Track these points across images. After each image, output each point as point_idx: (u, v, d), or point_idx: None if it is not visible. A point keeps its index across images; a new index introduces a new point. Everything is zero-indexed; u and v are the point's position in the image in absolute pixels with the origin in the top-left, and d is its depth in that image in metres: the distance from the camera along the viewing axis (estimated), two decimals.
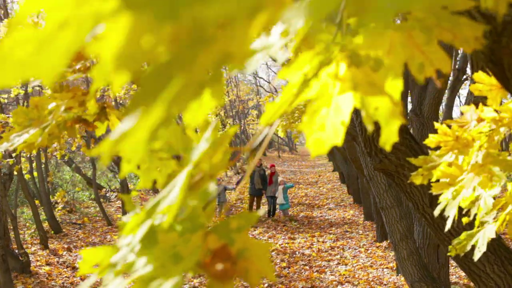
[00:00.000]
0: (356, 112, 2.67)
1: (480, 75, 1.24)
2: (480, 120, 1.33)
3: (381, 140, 0.66)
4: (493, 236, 1.38)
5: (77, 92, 1.18)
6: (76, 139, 11.88)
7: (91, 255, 0.62)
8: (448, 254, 1.57)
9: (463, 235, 1.45)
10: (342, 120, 0.66)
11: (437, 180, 1.30)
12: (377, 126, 2.55)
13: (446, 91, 7.22)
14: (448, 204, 1.27)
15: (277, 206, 12.80)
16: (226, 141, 0.65)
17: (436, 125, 1.26)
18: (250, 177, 12.65)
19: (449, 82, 7.21)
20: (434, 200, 2.64)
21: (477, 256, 1.37)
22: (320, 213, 13.76)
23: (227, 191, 13.07)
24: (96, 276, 0.59)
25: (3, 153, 8.02)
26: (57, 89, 1.16)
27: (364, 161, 3.96)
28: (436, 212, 1.25)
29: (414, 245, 4.05)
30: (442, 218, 2.68)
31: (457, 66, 11.47)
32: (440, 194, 2.66)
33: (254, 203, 13.24)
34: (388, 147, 0.65)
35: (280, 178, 13.23)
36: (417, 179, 1.24)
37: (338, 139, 0.67)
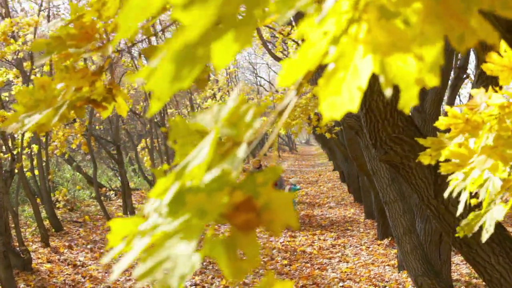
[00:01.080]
0: (361, 104, 2.67)
1: (492, 56, 1.24)
2: (489, 104, 1.32)
3: (400, 104, 0.65)
4: (501, 217, 1.37)
5: (87, 72, 1.17)
6: (78, 137, 11.88)
7: (120, 226, 0.61)
8: (456, 235, 1.56)
9: (471, 215, 1.45)
10: (359, 85, 0.65)
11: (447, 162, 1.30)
12: (380, 117, 2.56)
13: (448, 89, 7.22)
14: (457, 186, 1.26)
15: None
16: (259, 112, 0.64)
17: (446, 107, 1.26)
18: None
19: (450, 80, 7.21)
20: (439, 192, 2.64)
21: (484, 237, 1.36)
22: (321, 211, 13.76)
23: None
24: (124, 245, 0.58)
25: (2, 150, 8.00)
26: (65, 69, 1.15)
27: (367, 155, 3.96)
28: (446, 194, 1.24)
29: (418, 240, 4.05)
30: (447, 210, 2.68)
31: (458, 64, 11.48)
32: (446, 177, 2.66)
33: None
34: (407, 110, 0.64)
35: (291, 180, 12.70)
36: (425, 159, 1.24)
37: (353, 105, 0.66)
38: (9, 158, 7.49)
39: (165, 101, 0.45)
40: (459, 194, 1.54)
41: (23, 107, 1.09)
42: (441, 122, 1.22)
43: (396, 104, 2.71)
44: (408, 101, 0.65)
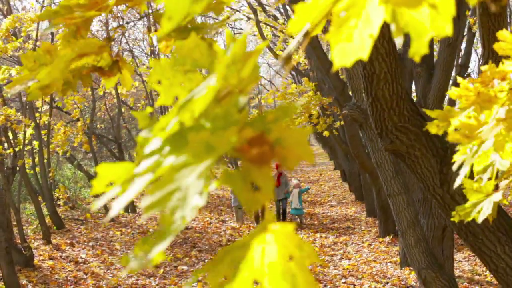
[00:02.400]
0: (367, 92, 2.65)
1: (503, 33, 1.22)
2: (503, 78, 1.30)
3: (410, 52, 0.63)
4: (500, 198, 1.35)
5: (94, 42, 1.15)
6: (79, 135, 11.87)
7: (108, 171, 0.57)
8: (452, 219, 1.54)
9: (468, 203, 1.43)
10: (371, 33, 0.64)
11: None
12: (386, 106, 2.53)
13: (449, 86, 7.21)
14: (467, 160, 1.24)
15: (288, 210, 11.53)
16: (256, 55, 0.63)
17: (459, 79, 1.24)
18: None
19: (451, 77, 7.19)
20: (445, 181, 2.62)
21: (480, 218, 1.34)
22: (322, 210, 13.73)
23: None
24: (119, 188, 0.55)
25: (4, 147, 7.99)
26: (72, 36, 1.14)
27: (371, 148, 3.94)
28: (455, 167, 1.22)
29: (421, 233, 4.03)
30: (453, 199, 2.66)
31: (459, 62, 11.44)
32: (451, 166, 2.63)
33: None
34: (417, 59, 0.62)
35: (295, 181, 11.85)
36: (433, 129, 1.21)
37: (364, 52, 0.65)
38: (11, 154, 7.48)
39: (177, 21, 0.43)
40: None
41: (28, 71, 1.07)
42: (453, 92, 1.20)
43: (402, 93, 2.69)
44: (419, 49, 0.63)
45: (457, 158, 1.37)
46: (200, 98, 0.50)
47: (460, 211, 1.73)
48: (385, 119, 2.60)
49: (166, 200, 0.44)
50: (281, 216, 11.28)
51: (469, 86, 1.22)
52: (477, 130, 1.16)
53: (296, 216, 11.46)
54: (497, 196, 1.54)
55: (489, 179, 1.44)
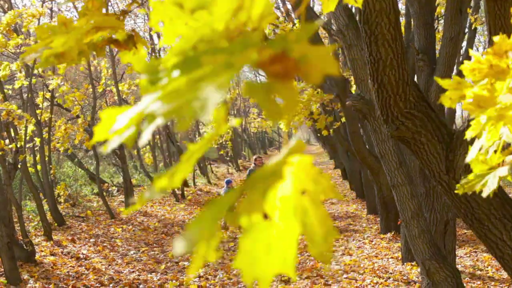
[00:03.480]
0: (373, 78, 2.65)
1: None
2: None
3: None
4: (505, 173, 1.35)
5: (110, 17, 1.16)
6: (80, 132, 11.86)
7: (113, 115, 0.53)
8: (456, 191, 1.54)
9: (472, 175, 1.43)
10: None
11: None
12: (391, 92, 2.54)
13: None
14: (479, 128, 1.24)
15: None
16: None
17: (471, 52, 1.24)
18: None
19: (453, 71, 7.19)
20: (451, 167, 2.62)
21: (485, 193, 1.34)
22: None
23: None
24: (126, 120, 0.50)
25: (5, 143, 7.98)
26: (88, 8, 1.14)
27: (375, 139, 3.94)
28: (469, 136, 1.22)
29: (425, 224, 4.03)
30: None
31: (460, 60, 11.46)
32: (457, 152, 2.63)
33: None
34: None
35: None
36: (446, 102, 1.22)
37: None
38: (13, 149, 7.47)
39: None
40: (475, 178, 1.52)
41: (43, 42, 1.07)
42: (466, 66, 1.21)
43: (408, 79, 2.69)
44: None
45: (469, 133, 1.37)
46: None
47: (465, 184, 1.73)
48: (391, 105, 2.60)
49: (184, 107, 0.43)
50: None
51: (481, 58, 1.22)
52: (490, 101, 1.16)
53: None
54: (503, 171, 1.54)
55: (495, 152, 1.44)
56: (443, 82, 1.20)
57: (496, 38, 1.35)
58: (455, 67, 7.19)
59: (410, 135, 2.62)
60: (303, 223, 0.58)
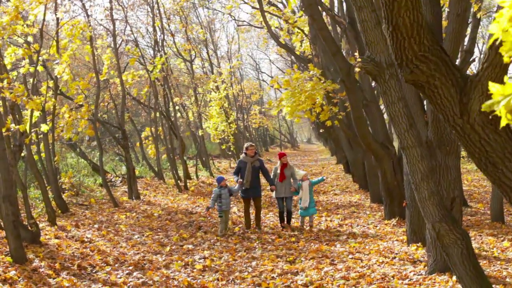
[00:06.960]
0: (387, 21, 2.65)
1: None
2: None
3: None
4: None
5: None
6: (83, 120, 11.86)
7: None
8: (483, 110, 1.54)
9: (490, 101, 1.42)
10: None
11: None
12: (406, 35, 2.52)
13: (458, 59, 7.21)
14: None
15: (294, 210, 9.88)
16: None
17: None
18: (239, 171, 9.42)
19: (457, 63, 7.19)
20: (465, 111, 2.62)
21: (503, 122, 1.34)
22: (326, 198, 13.74)
23: (232, 196, 9.70)
24: None
25: (11, 126, 7.98)
26: None
27: (385, 101, 3.92)
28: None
29: (435, 186, 4.01)
30: (473, 129, 2.66)
31: (464, 48, 11.43)
32: (471, 96, 2.62)
33: (252, 209, 9.73)
34: None
35: (302, 172, 9.82)
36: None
37: None
38: (19, 130, 7.48)
39: None
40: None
41: None
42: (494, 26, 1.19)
43: (422, 22, 2.69)
44: None
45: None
46: None
47: (484, 105, 1.73)
48: (405, 48, 2.60)
49: None
50: (286, 219, 9.50)
51: None
52: None
53: (303, 218, 9.43)
54: None
55: None
56: None
57: None
58: (458, 56, 7.19)
59: (424, 79, 2.62)
60: None
